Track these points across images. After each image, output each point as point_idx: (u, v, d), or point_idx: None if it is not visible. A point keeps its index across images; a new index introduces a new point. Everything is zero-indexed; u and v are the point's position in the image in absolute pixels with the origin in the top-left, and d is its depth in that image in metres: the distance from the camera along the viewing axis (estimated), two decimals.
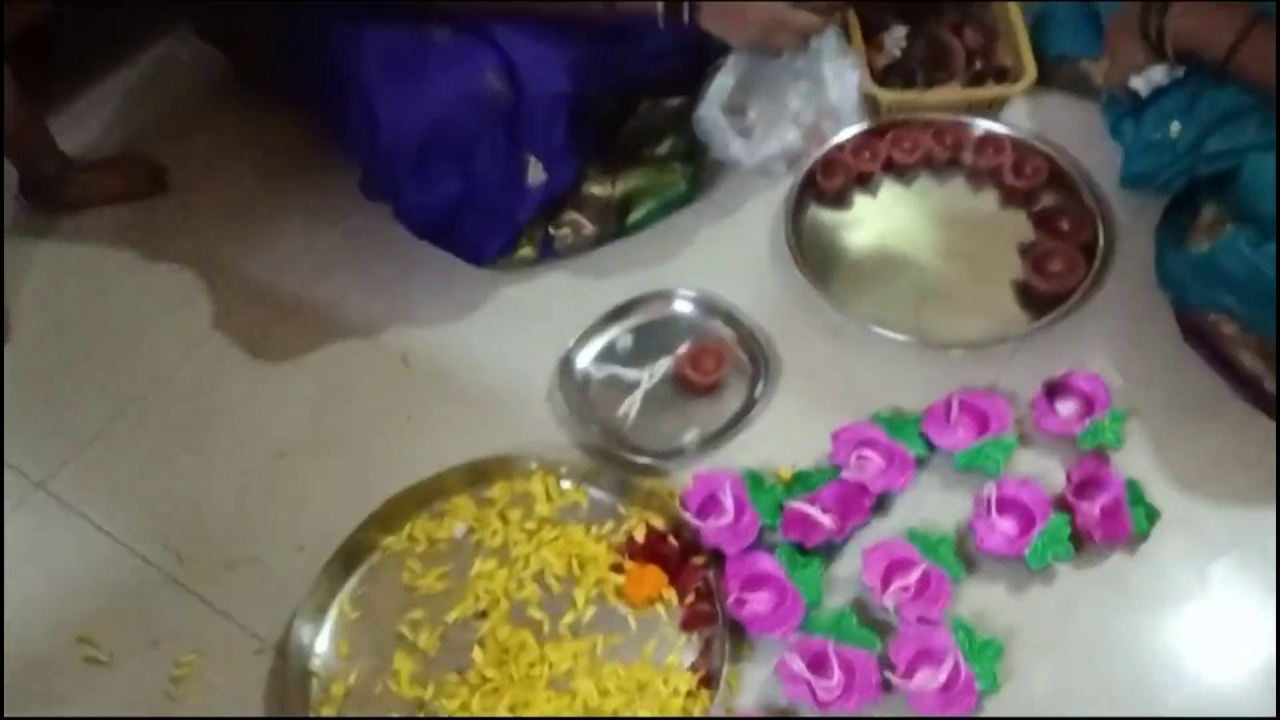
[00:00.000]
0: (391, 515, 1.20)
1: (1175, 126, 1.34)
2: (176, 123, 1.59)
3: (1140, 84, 1.36)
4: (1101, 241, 1.39)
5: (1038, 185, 1.46)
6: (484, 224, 1.33)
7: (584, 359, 1.33)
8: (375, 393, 1.33)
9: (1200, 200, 1.31)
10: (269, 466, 1.28)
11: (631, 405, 1.30)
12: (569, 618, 1.14)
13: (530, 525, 1.20)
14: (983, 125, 1.51)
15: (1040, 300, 1.36)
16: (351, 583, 1.18)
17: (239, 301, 1.41)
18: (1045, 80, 1.53)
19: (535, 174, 1.32)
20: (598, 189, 1.41)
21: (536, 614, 1.14)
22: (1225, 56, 1.25)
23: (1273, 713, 1.09)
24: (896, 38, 1.58)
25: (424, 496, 1.21)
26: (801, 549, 1.16)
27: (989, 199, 1.48)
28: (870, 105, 1.52)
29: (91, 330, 1.39)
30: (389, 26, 1.25)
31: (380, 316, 1.39)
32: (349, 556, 1.18)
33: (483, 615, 1.14)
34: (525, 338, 1.36)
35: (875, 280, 1.41)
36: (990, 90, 1.53)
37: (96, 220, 1.49)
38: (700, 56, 1.44)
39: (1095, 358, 1.32)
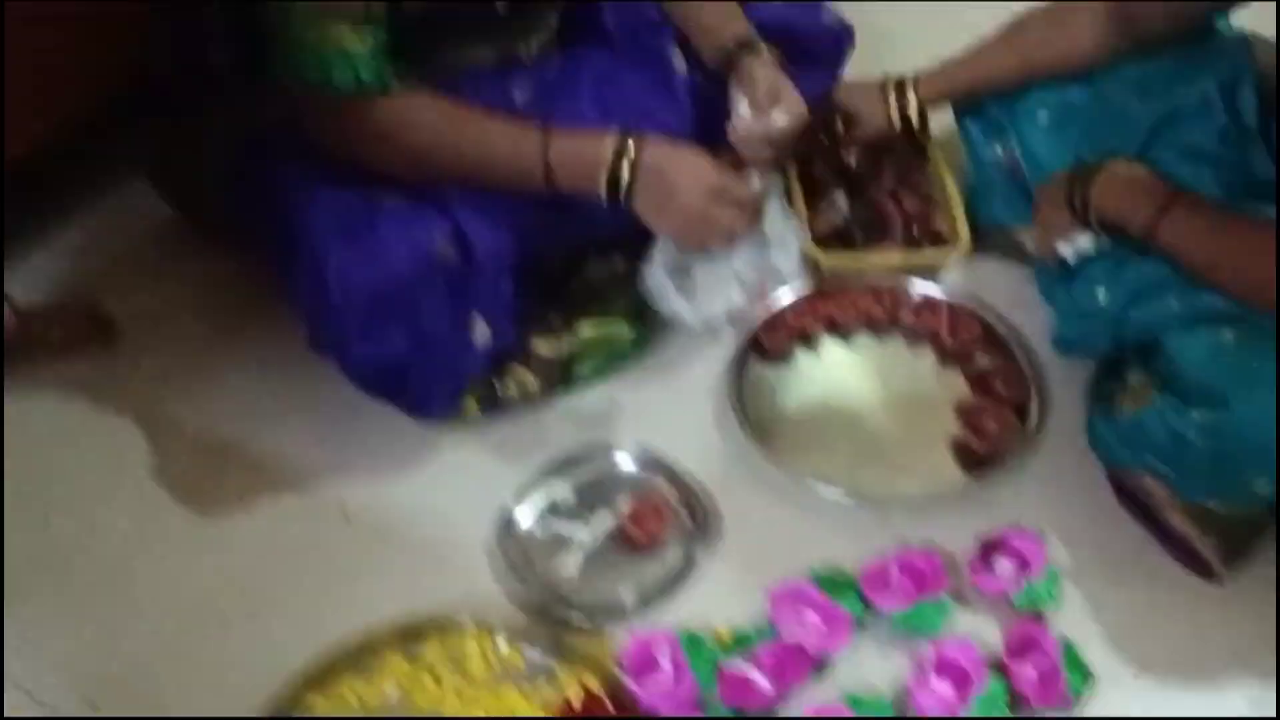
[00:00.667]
0: (322, 674, 1.18)
1: (1101, 295, 1.39)
2: (127, 273, 1.61)
3: (1068, 251, 1.41)
4: (1035, 403, 1.43)
5: (973, 346, 1.50)
6: (430, 381, 1.34)
7: (524, 514, 1.34)
8: (312, 546, 1.32)
9: (1126, 366, 1.35)
10: (199, 621, 1.26)
11: (571, 562, 1.30)
12: None
13: (464, 687, 1.18)
14: (920, 288, 1.56)
15: (976, 459, 1.39)
16: None
17: (179, 452, 1.41)
18: (980, 246, 1.58)
19: (481, 332, 1.34)
20: (543, 346, 1.43)
21: None
22: (1145, 231, 1.30)
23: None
24: (837, 204, 1.63)
25: (356, 654, 1.19)
26: (739, 714, 1.15)
27: (926, 359, 1.52)
28: (812, 267, 1.56)
29: (27, 480, 1.38)
30: (340, 189, 1.29)
31: (320, 469, 1.39)
32: (277, 716, 1.15)
33: None
34: (466, 492, 1.36)
35: (816, 437, 1.43)
36: (927, 255, 1.58)
37: (41, 371, 1.49)
38: None
39: (1031, 516, 1.33)
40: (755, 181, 1.39)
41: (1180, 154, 1.38)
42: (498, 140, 1.31)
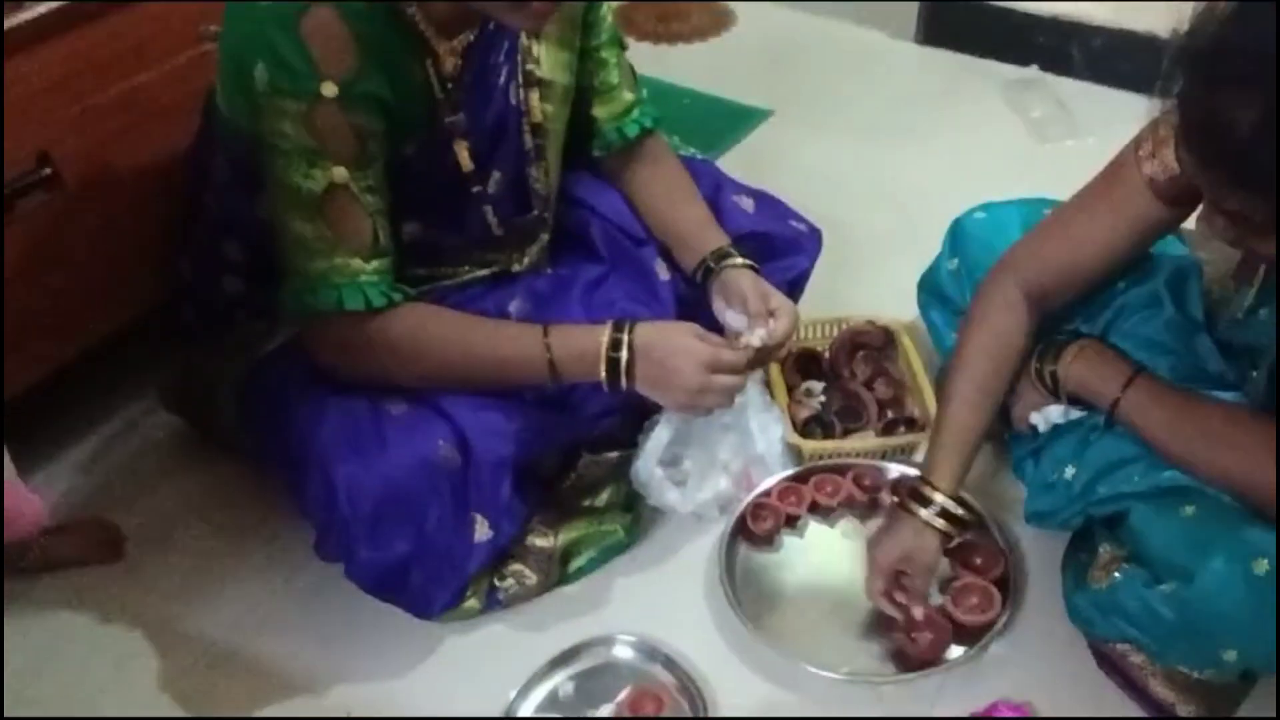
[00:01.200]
0: None
1: (1069, 470, 1.46)
2: (135, 484, 1.67)
3: (1039, 421, 1.49)
4: (1014, 576, 1.49)
5: (966, 529, 1.56)
6: (432, 579, 1.39)
7: (526, 708, 1.37)
8: None
9: (1097, 539, 1.41)
10: None
11: None
12: None
13: None
14: (897, 468, 1.63)
15: (962, 633, 1.43)
16: None
17: (187, 661, 1.44)
18: None
19: (482, 531, 1.40)
20: (540, 540, 1.49)
21: None
22: (1110, 404, 1.39)
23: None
24: (815, 393, 1.73)
25: None
26: None
27: None
28: (794, 454, 1.64)
29: (35, 693, 1.40)
30: (348, 401, 1.37)
31: (326, 672, 1.42)
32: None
33: None
34: (468, 688, 1.39)
35: (806, 618, 1.48)
36: (902, 438, 1.66)
37: (51, 582, 1.53)
38: (637, 413, 1.57)
39: (1018, 688, 1.38)
40: (755, 336, 1.45)
41: (1134, 343, 1.46)
42: (503, 344, 1.40)
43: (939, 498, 1.39)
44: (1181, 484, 1.32)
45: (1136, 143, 1.33)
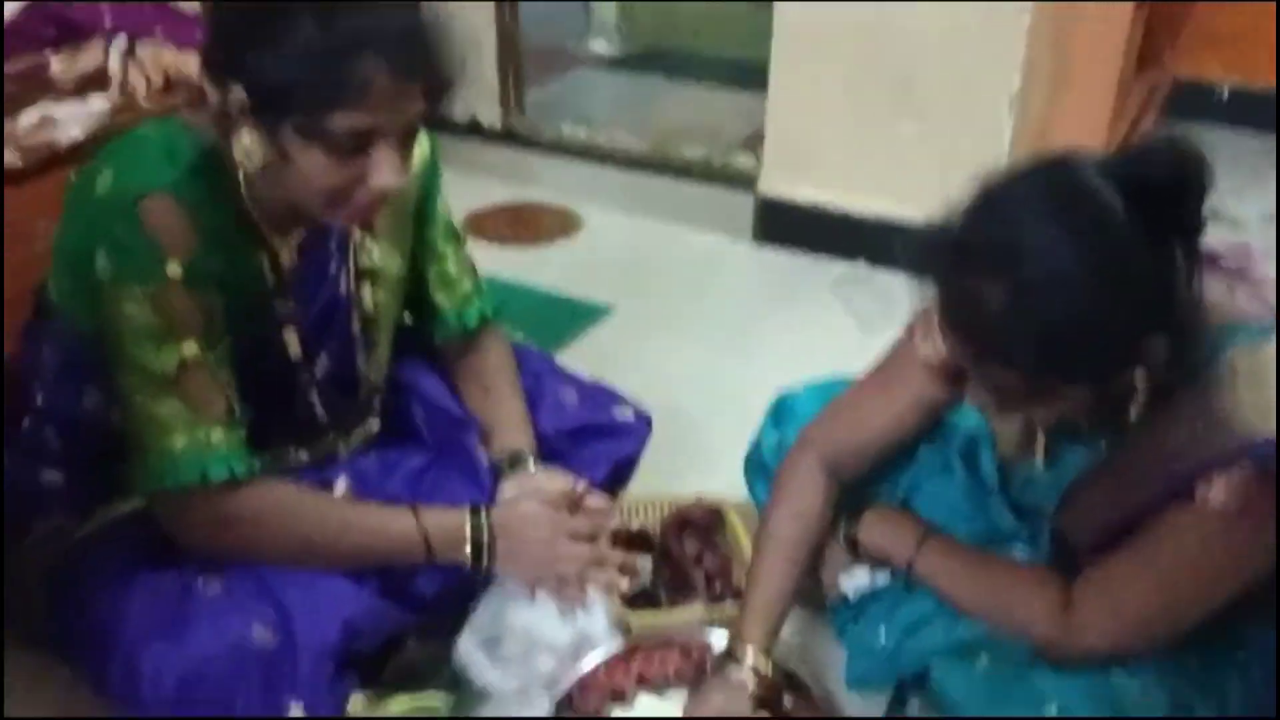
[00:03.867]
0: None
1: (882, 632, 1.52)
2: None
3: (849, 587, 1.55)
4: None
5: (777, 689, 1.58)
6: None
7: None
8: None
9: (906, 696, 1.46)
10: None
11: None
12: None
13: None
14: (725, 640, 1.64)
15: None
16: None
17: None
18: None
19: (296, 716, 1.37)
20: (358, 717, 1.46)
21: None
22: (905, 563, 1.46)
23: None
24: (643, 569, 1.76)
25: None
26: None
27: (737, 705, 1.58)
28: (622, 629, 1.65)
29: None
30: (158, 581, 1.36)
31: None
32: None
33: None
34: None
35: None
36: (728, 609, 1.68)
37: None
38: (464, 598, 1.58)
39: None
40: (594, 500, 1.54)
41: (931, 506, 1.54)
42: (377, 522, 1.46)
43: (749, 659, 1.42)
44: (977, 636, 1.40)
45: (910, 329, 1.45)
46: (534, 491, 1.53)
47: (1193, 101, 3.76)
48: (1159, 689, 1.29)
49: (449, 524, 1.47)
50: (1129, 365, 1.16)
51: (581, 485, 1.56)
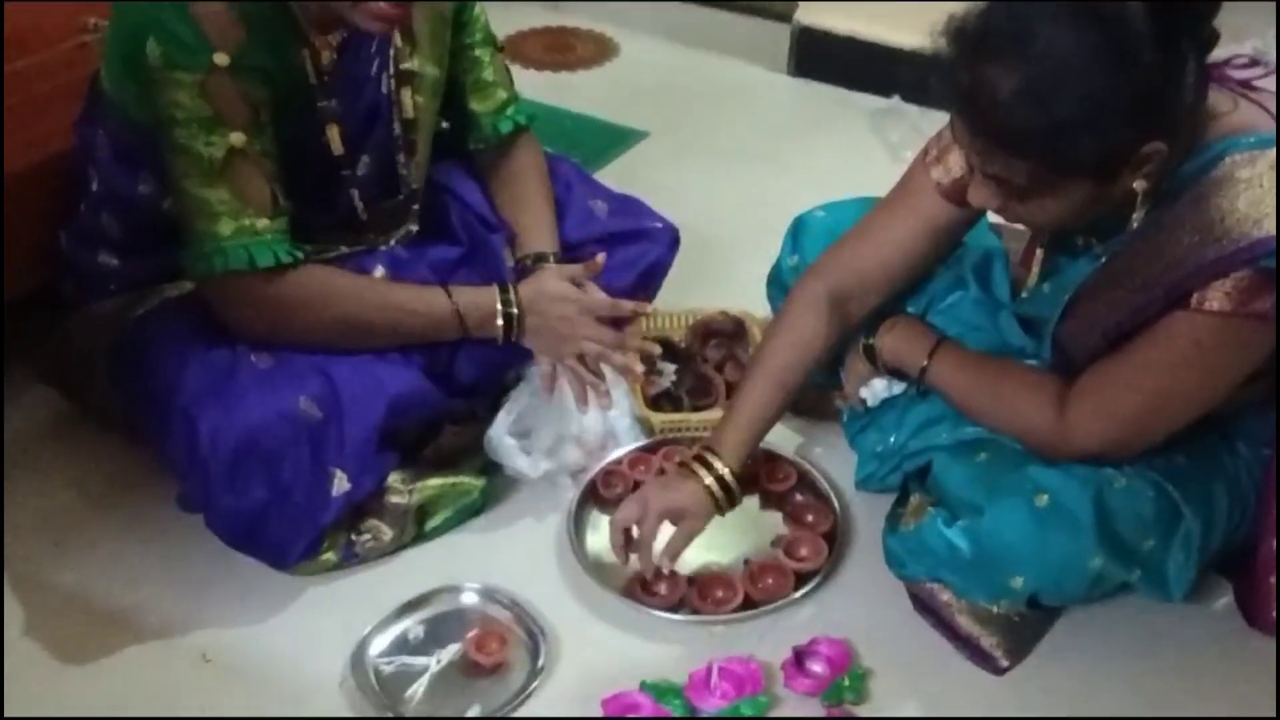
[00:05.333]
0: None
1: (891, 437, 1.60)
2: (16, 453, 1.71)
3: (867, 395, 1.62)
4: (841, 532, 1.60)
5: (790, 489, 1.68)
6: (289, 531, 1.46)
7: (376, 649, 1.44)
8: (173, 689, 1.41)
9: (909, 490, 1.54)
10: None
11: (418, 688, 1.40)
12: None
13: None
14: None
15: (793, 581, 1.54)
16: None
17: (49, 611, 1.49)
18: (797, 408, 1.77)
19: (340, 485, 1.47)
20: (398, 498, 1.57)
21: None
22: (919, 370, 1.52)
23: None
24: (666, 372, 1.84)
25: None
26: None
27: (750, 502, 1.68)
28: (645, 428, 1.75)
29: None
30: (213, 355, 1.46)
31: (184, 620, 1.48)
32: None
33: None
34: (322, 634, 1.46)
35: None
36: None
37: None
38: (497, 391, 1.68)
39: (840, 628, 1.48)
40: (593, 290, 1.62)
41: (948, 320, 1.59)
42: (413, 299, 1.55)
43: (720, 467, 1.48)
44: (979, 436, 1.47)
45: (925, 151, 1.48)
46: (556, 273, 1.61)
47: None
48: (1147, 486, 1.36)
49: (481, 300, 1.56)
50: (1130, 164, 1.20)
51: (601, 257, 1.63)
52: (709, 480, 1.48)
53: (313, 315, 1.48)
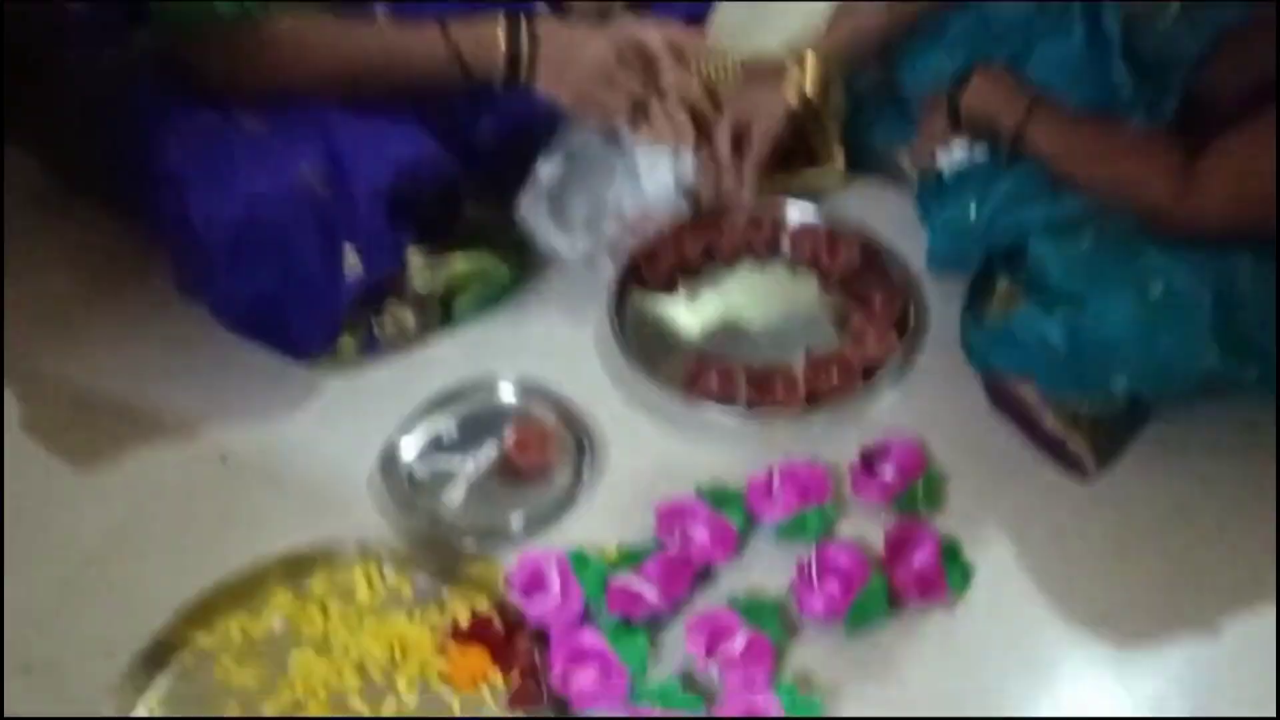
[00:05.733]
0: (205, 611, 1.16)
1: (973, 210, 1.42)
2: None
3: (944, 161, 1.44)
4: (912, 317, 1.45)
5: (852, 268, 1.52)
6: (302, 316, 1.32)
7: (408, 448, 1.33)
8: (191, 491, 1.30)
9: (995, 274, 1.38)
10: (78, 570, 1.23)
11: (455, 492, 1.29)
12: (390, 705, 1.11)
13: (351, 615, 1.17)
14: (799, 213, 1.57)
15: (859, 373, 1.40)
16: (162, 683, 1.13)
17: (53, 405, 1.38)
18: (861, 169, 1.61)
19: (353, 264, 1.32)
20: (420, 281, 1.42)
21: (357, 703, 1.11)
22: (1012, 131, 1.34)
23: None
24: None
25: (239, 592, 1.18)
26: (627, 623, 1.16)
27: (808, 282, 1.53)
28: (692, 197, 1.57)
29: None
30: (200, 120, 1.28)
31: (198, 417, 1.37)
32: (157, 655, 1.13)
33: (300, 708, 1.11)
34: (347, 431, 1.35)
35: (700, 361, 1.43)
36: (805, 176, 1.59)
37: None
38: (525, 160, 1.49)
39: (912, 426, 1.35)
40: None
41: (1044, 69, 1.40)
42: (399, 41, 1.35)
43: (809, 63, 1.44)
44: (1080, 213, 1.30)
45: None
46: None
47: None
48: (1273, 276, 1.20)
49: (481, 35, 1.33)
50: None
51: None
52: (793, 79, 1.42)
53: (284, 62, 1.30)
